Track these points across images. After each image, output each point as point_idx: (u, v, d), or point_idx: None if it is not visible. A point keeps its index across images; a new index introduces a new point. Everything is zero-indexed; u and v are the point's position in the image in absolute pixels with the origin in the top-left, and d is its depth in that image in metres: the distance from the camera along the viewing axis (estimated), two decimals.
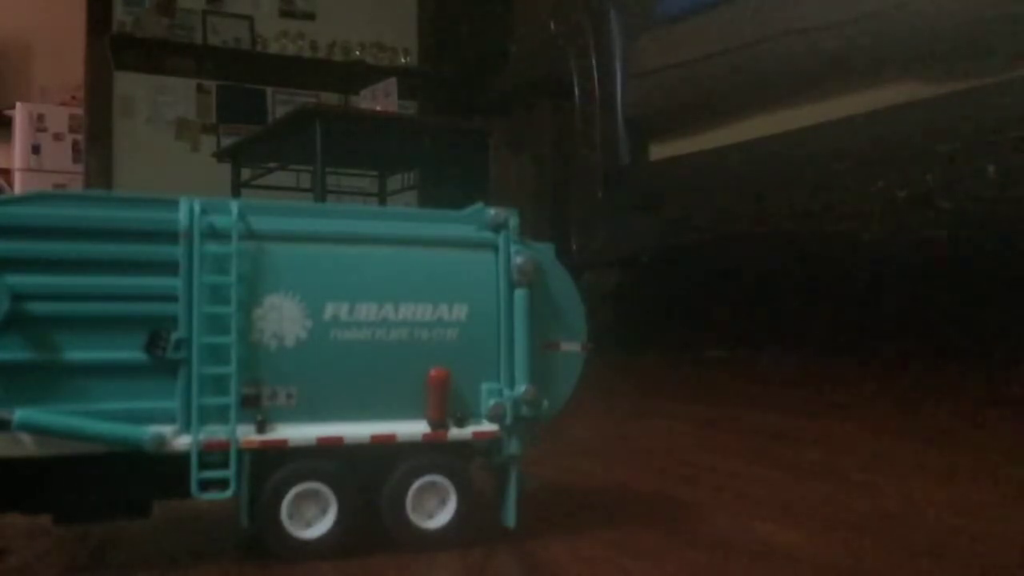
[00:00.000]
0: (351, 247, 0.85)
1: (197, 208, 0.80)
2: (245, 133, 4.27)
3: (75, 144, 5.88)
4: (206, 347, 0.79)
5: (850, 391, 2.07)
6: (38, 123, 5.91)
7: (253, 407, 0.80)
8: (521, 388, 0.88)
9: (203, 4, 5.59)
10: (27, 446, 0.75)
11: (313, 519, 0.82)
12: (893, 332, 2.52)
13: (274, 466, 0.81)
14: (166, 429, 0.77)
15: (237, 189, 3.73)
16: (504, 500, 0.89)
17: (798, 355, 2.74)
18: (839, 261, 2.57)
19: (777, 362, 2.73)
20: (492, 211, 0.90)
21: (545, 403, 0.89)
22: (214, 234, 0.80)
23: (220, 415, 0.79)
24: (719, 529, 0.93)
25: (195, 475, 0.78)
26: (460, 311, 0.88)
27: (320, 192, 3.11)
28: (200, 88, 5.54)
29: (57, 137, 5.94)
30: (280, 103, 5.66)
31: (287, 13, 5.84)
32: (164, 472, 0.79)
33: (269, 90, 5.71)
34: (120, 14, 5.36)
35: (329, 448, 0.82)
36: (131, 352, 0.78)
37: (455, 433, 0.86)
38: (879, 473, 1.20)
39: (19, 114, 5.93)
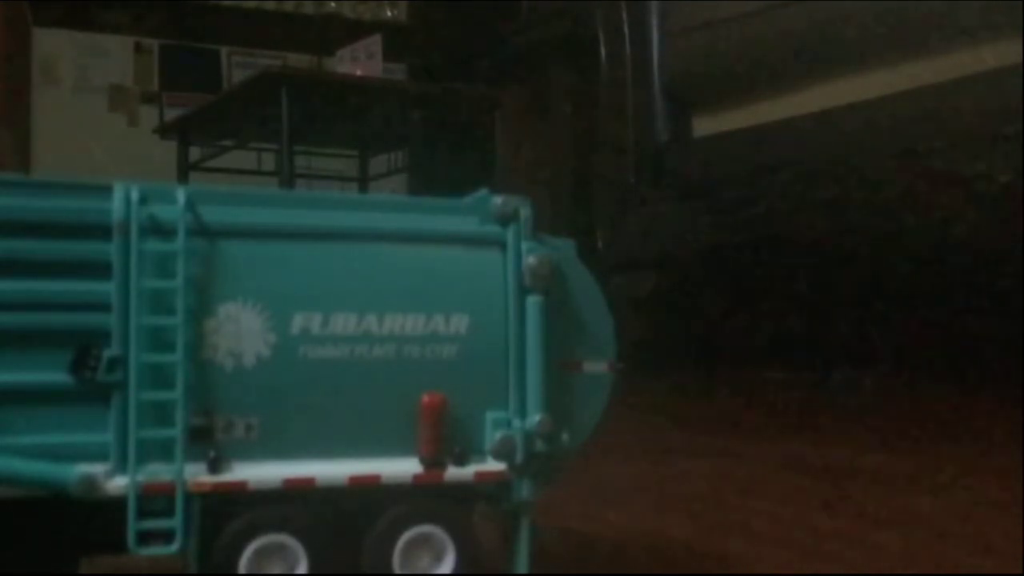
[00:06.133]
0: (325, 244, 0.85)
1: (135, 196, 0.80)
2: (195, 104, 4.28)
3: None
4: (146, 367, 0.79)
5: (947, 423, 2.06)
6: None
7: (204, 441, 0.80)
8: (534, 418, 0.88)
9: None
10: None
11: None
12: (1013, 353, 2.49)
13: (230, 514, 0.81)
14: (97, 468, 0.77)
15: (185, 172, 3.74)
16: (513, 556, 0.89)
17: (880, 378, 2.73)
18: (945, 265, 2.53)
19: (852, 386, 2.72)
20: (499, 200, 0.90)
21: (564, 436, 0.89)
22: (156, 228, 0.80)
23: (164, 451, 0.79)
24: None
25: (133, 525, 0.78)
26: (459, 323, 0.88)
27: (287, 176, 3.11)
28: (139, 48, 5.55)
29: None
30: (238, 66, 5.67)
31: None
32: (95, 521, 0.79)
33: (224, 50, 5.72)
34: None
35: (298, 492, 0.82)
36: (54, 374, 0.78)
37: (453, 473, 0.86)
38: (984, 527, 1.20)
39: None
